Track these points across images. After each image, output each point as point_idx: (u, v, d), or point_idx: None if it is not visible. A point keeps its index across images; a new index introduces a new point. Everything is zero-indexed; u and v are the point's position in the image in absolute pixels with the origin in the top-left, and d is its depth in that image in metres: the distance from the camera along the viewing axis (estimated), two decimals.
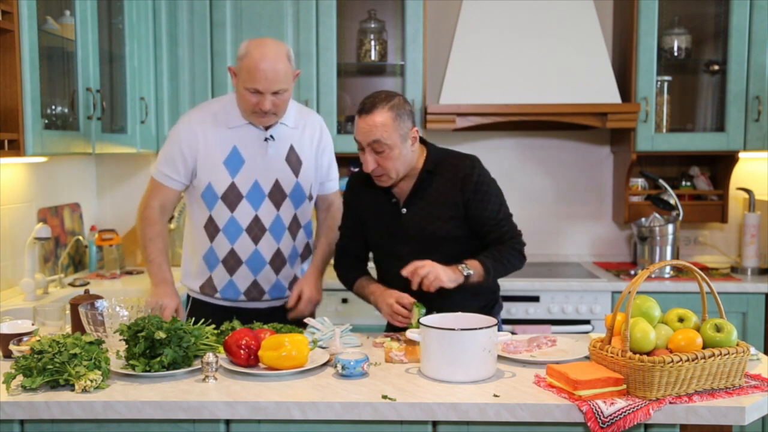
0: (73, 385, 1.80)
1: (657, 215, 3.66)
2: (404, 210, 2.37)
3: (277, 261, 2.53)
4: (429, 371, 1.92)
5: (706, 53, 3.80)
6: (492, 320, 1.96)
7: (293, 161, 2.51)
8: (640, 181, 3.84)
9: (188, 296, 2.62)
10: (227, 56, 3.53)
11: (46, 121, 2.81)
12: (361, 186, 2.46)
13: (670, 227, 3.60)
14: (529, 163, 4.01)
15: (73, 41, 2.91)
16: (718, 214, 3.78)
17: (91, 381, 1.78)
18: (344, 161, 3.96)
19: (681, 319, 1.88)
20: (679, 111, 3.82)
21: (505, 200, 2.38)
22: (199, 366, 1.91)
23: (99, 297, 2.23)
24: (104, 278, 3.49)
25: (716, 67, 3.71)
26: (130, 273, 3.63)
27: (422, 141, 2.39)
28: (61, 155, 2.97)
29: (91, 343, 1.88)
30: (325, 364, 2.01)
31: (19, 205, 3.14)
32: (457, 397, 1.76)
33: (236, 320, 2.26)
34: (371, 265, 2.55)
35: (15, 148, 2.58)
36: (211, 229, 2.48)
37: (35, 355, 1.82)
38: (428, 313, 2.16)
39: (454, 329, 1.89)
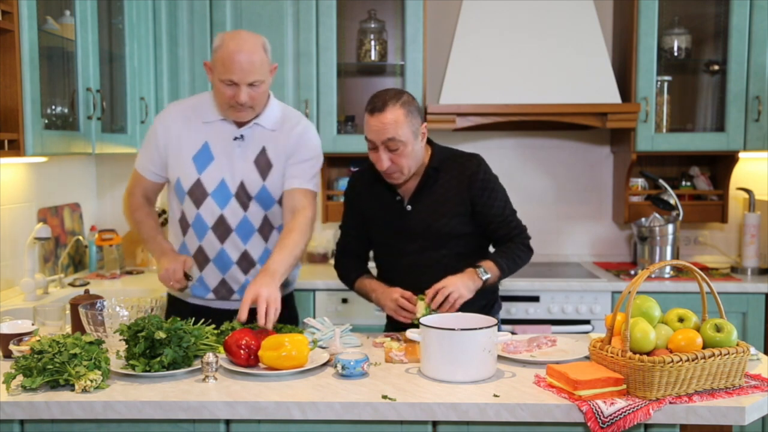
0: (73, 385, 1.80)
1: (657, 215, 3.66)
2: (409, 207, 2.39)
3: (245, 262, 2.43)
4: (429, 371, 1.92)
5: (706, 53, 3.80)
6: (492, 320, 1.97)
7: (262, 164, 2.38)
8: (640, 181, 3.84)
9: (168, 294, 2.58)
10: None
11: (46, 121, 2.81)
12: (363, 184, 2.48)
13: (670, 227, 3.60)
14: (529, 163, 4.01)
15: (73, 41, 2.91)
16: (718, 214, 3.78)
17: (91, 381, 1.78)
18: (344, 161, 3.97)
19: (681, 319, 1.88)
20: (679, 111, 3.82)
21: (508, 197, 2.43)
22: (199, 366, 1.91)
23: (99, 297, 2.23)
24: (104, 278, 3.49)
25: (716, 67, 3.71)
26: (130, 273, 3.63)
27: (426, 139, 2.41)
28: (61, 155, 2.97)
29: (91, 343, 1.88)
30: (325, 364, 2.01)
31: (19, 205, 3.14)
32: (457, 397, 1.76)
33: (236, 320, 2.26)
34: (371, 265, 2.55)
35: (15, 148, 2.58)
36: (184, 223, 2.44)
37: (35, 355, 1.82)
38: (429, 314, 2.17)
39: (454, 329, 1.89)
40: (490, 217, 2.37)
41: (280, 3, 3.58)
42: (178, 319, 1.99)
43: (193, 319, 2.12)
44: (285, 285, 2.52)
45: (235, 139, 2.37)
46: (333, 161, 3.94)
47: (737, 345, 1.80)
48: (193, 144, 2.38)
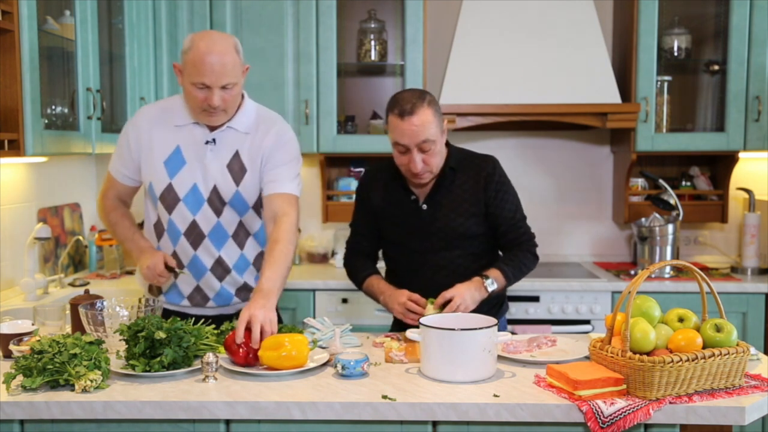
0: (73, 385, 1.80)
1: (657, 215, 3.66)
2: (425, 206, 2.39)
3: (219, 269, 2.36)
4: (429, 371, 1.91)
5: (706, 53, 3.80)
6: (492, 320, 1.96)
7: (236, 169, 2.29)
8: (640, 181, 3.84)
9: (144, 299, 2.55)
10: None
11: (46, 121, 2.81)
12: (376, 183, 2.48)
13: (670, 227, 3.60)
14: (529, 163, 4.01)
15: (73, 41, 2.91)
16: (718, 214, 3.78)
17: (91, 381, 1.78)
18: (344, 161, 3.97)
19: (681, 319, 1.88)
20: (679, 111, 3.82)
21: (520, 202, 2.45)
22: (199, 366, 1.91)
23: (99, 297, 2.23)
24: (104, 278, 3.49)
25: (716, 67, 3.71)
26: (130, 273, 3.63)
27: None
28: (61, 155, 2.97)
29: (91, 343, 1.88)
30: (325, 364, 2.01)
31: (19, 205, 3.14)
32: (457, 397, 1.76)
33: (236, 320, 2.26)
34: (380, 265, 2.55)
35: (15, 148, 2.58)
36: (159, 228, 2.38)
37: (35, 355, 1.82)
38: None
39: (454, 329, 1.89)
40: (501, 219, 2.39)
41: (280, 3, 3.58)
42: (178, 319, 1.99)
43: (193, 319, 2.12)
44: (249, 291, 2.46)
45: (207, 143, 2.29)
46: (333, 161, 3.94)
47: (737, 345, 1.80)
48: (165, 148, 2.31)
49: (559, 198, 4.02)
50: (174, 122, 2.32)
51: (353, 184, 3.85)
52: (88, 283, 3.28)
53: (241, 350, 1.94)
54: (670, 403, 1.72)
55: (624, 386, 1.76)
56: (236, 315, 2.41)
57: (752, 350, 1.99)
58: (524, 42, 3.61)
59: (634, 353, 1.75)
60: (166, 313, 2.40)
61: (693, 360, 1.73)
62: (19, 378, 1.81)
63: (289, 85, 3.62)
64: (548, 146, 4.00)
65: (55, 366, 1.79)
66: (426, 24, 3.63)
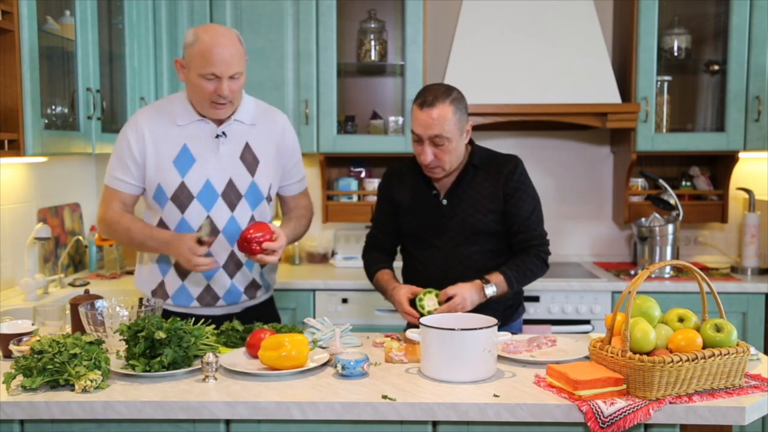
0: (73, 385, 1.80)
1: (657, 215, 3.66)
2: (445, 201, 2.41)
3: (231, 265, 2.38)
4: (429, 371, 1.91)
5: (706, 53, 3.80)
6: (492, 320, 1.96)
7: (249, 160, 2.36)
8: (640, 181, 3.84)
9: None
10: None
11: (46, 121, 2.81)
12: (399, 177, 2.50)
13: (670, 227, 3.60)
14: (529, 163, 3.93)
15: (73, 41, 2.91)
16: (718, 214, 3.78)
17: (91, 381, 1.78)
18: (344, 161, 3.97)
19: (681, 319, 1.88)
20: (679, 111, 3.82)
21: (540, 206, 2.44)
22: (199, 366, 1.91)
23: (99, 297, 2.23)
24: (104, 278, 3.49)
25: (716, 67, 3.71)
26: (130, 273, 3.63)
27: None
28: (61, 155, 2.97)
29: (91, 343, 1.88)
30: (325, 364, 2.01)
31: (19, 205, 3.14)
32: (457, 397, 1.76)
33: (236, 320, 2.27)
34: (396, 265, 2.56)
35: (15, 148, 2.58)
36: None
37: (35, 355, 1.82)
38: None
39: (454, 329, 1.89)
40: (515, 218, 2.39)
41: (280, 3, 3.58)
42: (178, 319, 1.99)
43: (193, 319, 2.12)
44: (266, 288, 2.53)
45: (217, 136, 2.33)
46: (333, 161, 3.94)
47: (737, 345, 1.80)
48: (171, 148, 2.31)
49: (559, 198, 4.02)
50: (176, 122, 2.33)
51: (353, 184, 3.86)
52: (88, 283, 3.28)
53: (254, 245, 2.17)
54: (670, 403, 1.72)
55: (624, 386, 1.76)
56: (242, 313, 2.45)
57: (752, 350, 1.99)
58: (524, 42, 3.61)
59: (634, 353, 1.75)
60: (172, 316, 2.38)
61: (693, 360, 1.73)
62: (19, 378, 1.81)
63: (289, 85, 3.63)
64: (548, 146, 4.00)
65: (55, 366, 1.79)
66: (426, 24, 3.63)
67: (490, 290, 2.28)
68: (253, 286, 2.45)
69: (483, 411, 1.73)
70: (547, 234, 2.45)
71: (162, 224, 2.36)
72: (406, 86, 3.62)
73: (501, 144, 3.98)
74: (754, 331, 3.37)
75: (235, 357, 2.05)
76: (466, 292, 2.24)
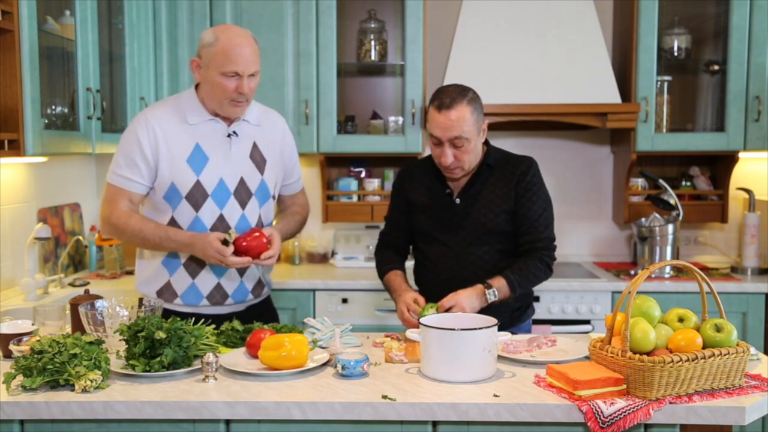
0: (73, 385, 1.80)
1: (657, 215, 3.66)
2: (458, 200, 2.42)
3: None
4: (429, 371, 1.91)
5: (706, 53, 3.80)
6: (492, 320, 1.97)
7: (257, 159, 2.41)
8: (640, 181, 3.84)
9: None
10: None
11: (46, 121, 2.81)
12: (413, 175, 2.52)
13: (670, 227, 3.60)
14: None
15: (73, 41, 2.91)
16: (718, 214, 3.78)
17: (91, 381, 1.78)
18: (344, 161, 3.97)
19: (681, 319, 1.88)
20: (679, 111, 3.82)
21: (551, 210, 2.46)
22: (199, 366, 1.91)
23: (99, 297, 2.23)
24: (104, 278, 3.49)
25: (716, 67, 3.71)
26: (130, 273, 3.63)
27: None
28: (61, 155, 2.97)
29: (91, 343, 1.88)
30: (325, 364, 2.01)
31: (19, 205, 3.14)
32: (457, 397, 1.76)
33: (236, 320, 2.27)
34: (409, 264, 2.57)
35: (15, 148, 2.58)
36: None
37: (35, 355, 1.82)
38: None
39: (454, 329, 1.89)
40: (523, 219, 2.40)
41: (280, 3, 3.58)
42: (178, 319, 1.99)
43: (193, 319, 2.12)
44: (262, 287, 2.53)
45: (229, 136, 2.38)
46: (333, 161, 3.94)
47: (737, 345, 1.80)
48: (184, 147, 2.32)
49: (559, 198, 4.01)
50: (187, 120, 2.35)
51: (353, 184, 3.86)
52: (88, 283, 3.28)
53: (243, 243, 2.20)
54: (670, 403, 1.72)
55: (624, 386, 1.76)
56: (243, 312, 2.46)
57: (752, 350, 1.99)
58: (524, 42, 3.61)
59: (634, 353, 1.75)
60: (180, 316, 2.36)
61: (693, 360, 1.73)
62: (19, 378, 1.81)
63: (289, 85, 3.63)
64: (548, 146, 4.00)
65: (55, 366, 1.79)
66: (426, 24, 3.63)
67: (492, 295, 2.29)
68: (259, 285, 2.49)
69: (483, 411, 1.73)
70: (555, 239, 2.46)
71: (173, 223, 2.35)
72: (406, 86, 3.62)
73: (501, 144, 3.93)
74: (754, 331, 3.37)
75: (235, 357, 2.05)
76: (464, 300, 2.24)
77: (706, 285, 1.85)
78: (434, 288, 2.46)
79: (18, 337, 2.03)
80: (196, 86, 2.39)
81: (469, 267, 2.40)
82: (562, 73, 3.56)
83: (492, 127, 3.72)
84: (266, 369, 1.93)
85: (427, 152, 2.43)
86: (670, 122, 3.74)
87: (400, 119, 3.73)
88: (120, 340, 1.98)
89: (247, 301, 2.48)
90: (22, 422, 1.79)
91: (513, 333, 2.33)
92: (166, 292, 2.41)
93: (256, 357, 1.99)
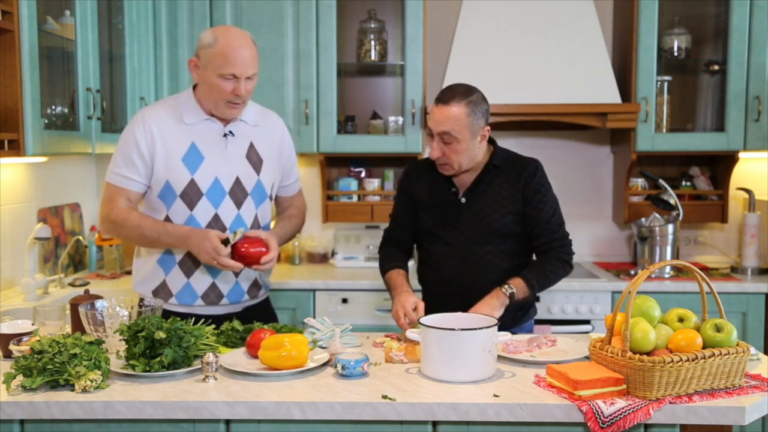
0: (73, 385, 1.80)
1: (657, 215, 3.66)
2: (463, 200, 2.43)
3: None
4: (429, 371, 1.91)
5: (706, 53, 3.80)
6: (492, 320, 1.97)
7: (254, 159, 2.41)
8: (640, 181, 3.84)
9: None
10: None
11: (46, 121, 2.81)
12: (420, 173, 2.53)
13: (670, 227, 3.60)
14: None
15: (73, 41, 2.91)
16: (718, 214, 3.78)
17: (91, 381, 1.78)
18: (344, 161, 3.97)
19: (681, 319, 1.88)
20: (679, 111, 3.82)
21: (559, 208, 2.46)
22: (199, 366, 1.91)
23: (99, 297, 2.23)
24: (104, 278, 3.49)
25: (716, 67, 3.71)
26: (130, 273, 3.62)
27: (490, 140, 2.47)
28: (61, 155, 2.97)
29: (91, 343, 1.88)
30: (325, 364, 2.01)
31: (19, 205, 3.14)
32: (457, 397, 1.76)
33: (236, 320, 2.27)
34: (412, 263, 2.57)
35: (15, 148, 2.59)
36: None
37: (35, 355, 1.82)
38: None
39: (454, 329, 1.89)
40: (536, 221, 2.40)
41: (280, 3, 3.58)
42: (178, 319, 1.99)
43: (193, 319, 2.12)
44: (265, 288, 2.55)
45: (225, 135, 2.38)
46: (333, 161, 3.94)
47: (737, 345, 1.80)
48: (180, 146, 2.33)
49: (559, 198, 3.95)
50: (183, 120, 2.36)
51: (353, 184, 3.86)
52: (88, 283, 3.28)
53: (243, 248, 2.21)
54: (670, 403, 1.72)
55: (624, 386, 1.76)
56: (241, 313, 2.46)
57: (752, 350, 1.99)
58: (524, 42, 3.61)
59: (634, 353, 1.75)
60: (173, 316, 2.38)
61: (693, 360, 1.73)
62: (19, 378, 1.81)
63: (289, 85, 3.63)
64: (548, 146, 4.00)
65: (55, 366, 1.79)
66: (426, 24, 3.63)
67: (508, 289, 2.29)
68: (255, 286, 2.49)
69: (483, 411, 1.73)
70: (569, 235, 2.46)
71: (168, 222, 2.36)
72: (406, 86, 3.62)
73: (501, 144, 3.95)
74: (754, 331, 3.37)
75: (235, 357, 2.05)
76: (483, 308, 2.24)
77: (706, 285, 1.85)
78: (437, 287, 2.47)
79: (18, 337, 2.03)
80: (194, 86, 2.40)
81: (472, 266, 2.40)
82: (562, 73, 3.56)
83: (492, 126, 3.71)
84: (266, 369, 1.93)
85: (428, 152, 2.43)
86: (670, 122, 3.74)
87: (400, 119, 3.73)
88: (120, 340, 1.98)
89: (243, 302, 2.47)
90: (22, 422, 1.79)
91: (514, 333, 2.34)
92: (162, 291, 2.41)
93: (256, 357, 1.99)
